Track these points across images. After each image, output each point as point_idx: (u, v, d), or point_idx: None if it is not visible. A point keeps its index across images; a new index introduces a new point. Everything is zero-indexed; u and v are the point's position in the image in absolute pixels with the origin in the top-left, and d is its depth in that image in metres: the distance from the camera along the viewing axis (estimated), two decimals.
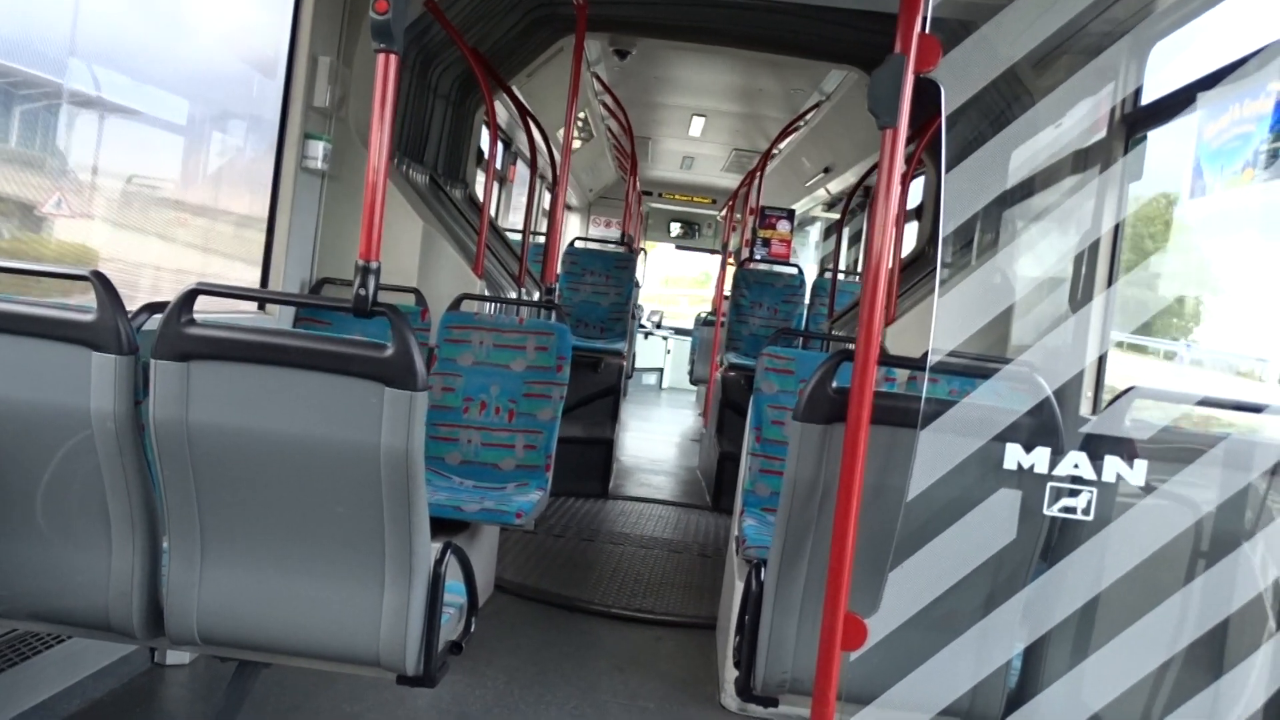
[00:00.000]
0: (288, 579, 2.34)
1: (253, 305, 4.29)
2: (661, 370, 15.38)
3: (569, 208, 15.22)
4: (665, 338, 15.31)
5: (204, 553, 2.35)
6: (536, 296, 6.42)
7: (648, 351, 15.00)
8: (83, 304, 2.30)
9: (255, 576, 2.35)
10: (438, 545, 2.41)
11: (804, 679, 2.42)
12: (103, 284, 2.24)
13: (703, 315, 12.14)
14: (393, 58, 2.23)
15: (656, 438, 10.45)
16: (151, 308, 2.72)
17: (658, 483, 8.04)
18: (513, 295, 5.95)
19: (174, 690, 3.50)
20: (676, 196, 15.85)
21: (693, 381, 12.11)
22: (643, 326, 14.41)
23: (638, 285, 9.96)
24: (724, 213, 14.43)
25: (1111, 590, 2.30)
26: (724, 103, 9.89)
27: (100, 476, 2.31)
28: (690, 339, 12.83)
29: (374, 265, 2.25)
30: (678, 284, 18.84)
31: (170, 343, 2.20)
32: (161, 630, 2.41)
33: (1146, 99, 3.98)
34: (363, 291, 2.25)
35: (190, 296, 2.24)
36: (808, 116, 9.10)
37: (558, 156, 7.23)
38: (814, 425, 2.29)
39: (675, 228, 16.50)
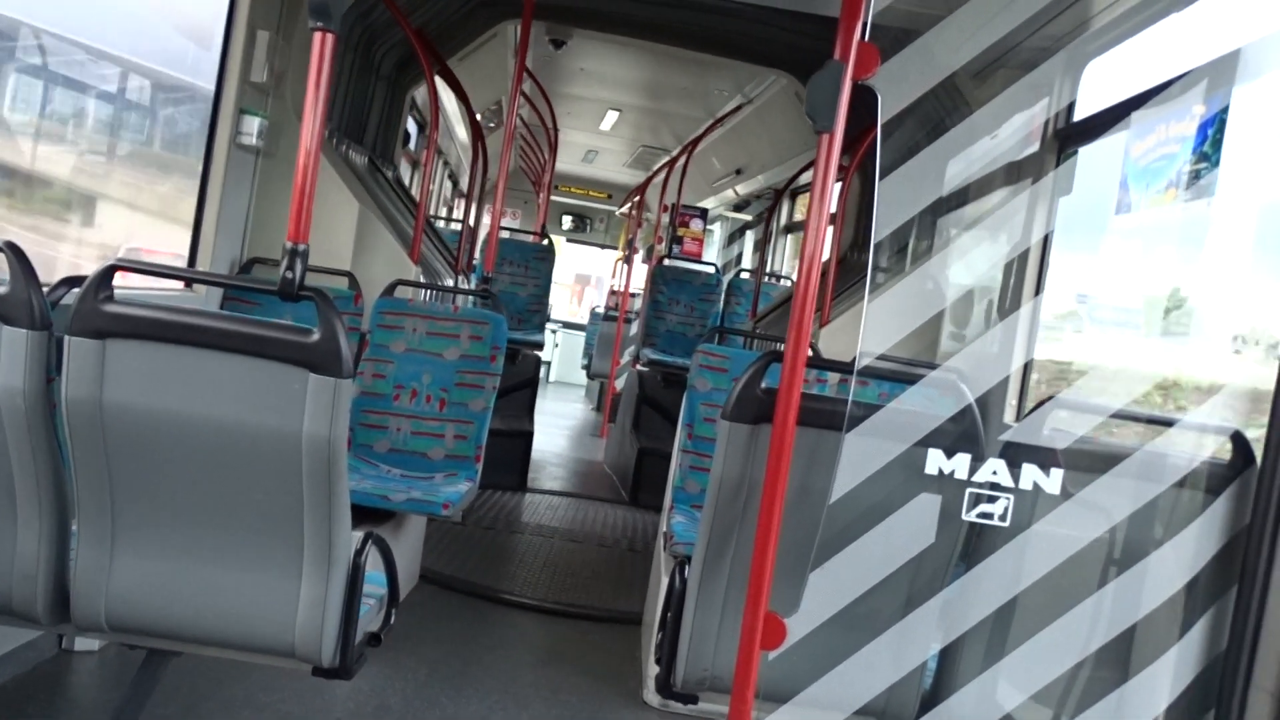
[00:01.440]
0: (201, 566, 2.29)
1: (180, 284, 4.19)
2: (549, 364, 15.37)
3: (464, 195, 15.10)
4: (554, 331, 15.27)
5: (115, 537, 2.28)
6: (463, 284, 6.37)
7: None
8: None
9: (168, 563, 2.29)
10: (358, 535, 2.38)
11: (724, 677, 2.44)
12: (16, 255, 2.16)
13: (599, 310, 12.16)
14: (329, 36, 2.18)
15: (554, 431, 10.43)
16: (70, 282, 2.63)
17: (566, 476, 8.04)
18: (449, 283, 5.89)
19: (81, 678, 3.40)
20: (573, 190, 15.83)
21: (590, 376, 12.14)
22: None
23: None
24: (626, 208, 14.44)
25: (1026, 594, 2.35)
26: (642, 98, 9.90)
27: (7, 455, 2.23)
28: (584, 333, 12.84)
29: (302, 247, 2.20)
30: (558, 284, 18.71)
31: (86, 319, 2.13)
32: (68, 616, 2.33)
33: (1080, 115, 4.07)
34: (290, 274, 2.20)
35: (109, 272, 2.17)
36: (726, 120, 9.17)
37: (493, 144, 7.17)
38: (742, 425, 2.30)
39: (567, 221, 16.47)
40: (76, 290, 2.19)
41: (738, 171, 10.83)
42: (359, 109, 5.73)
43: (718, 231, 14.63)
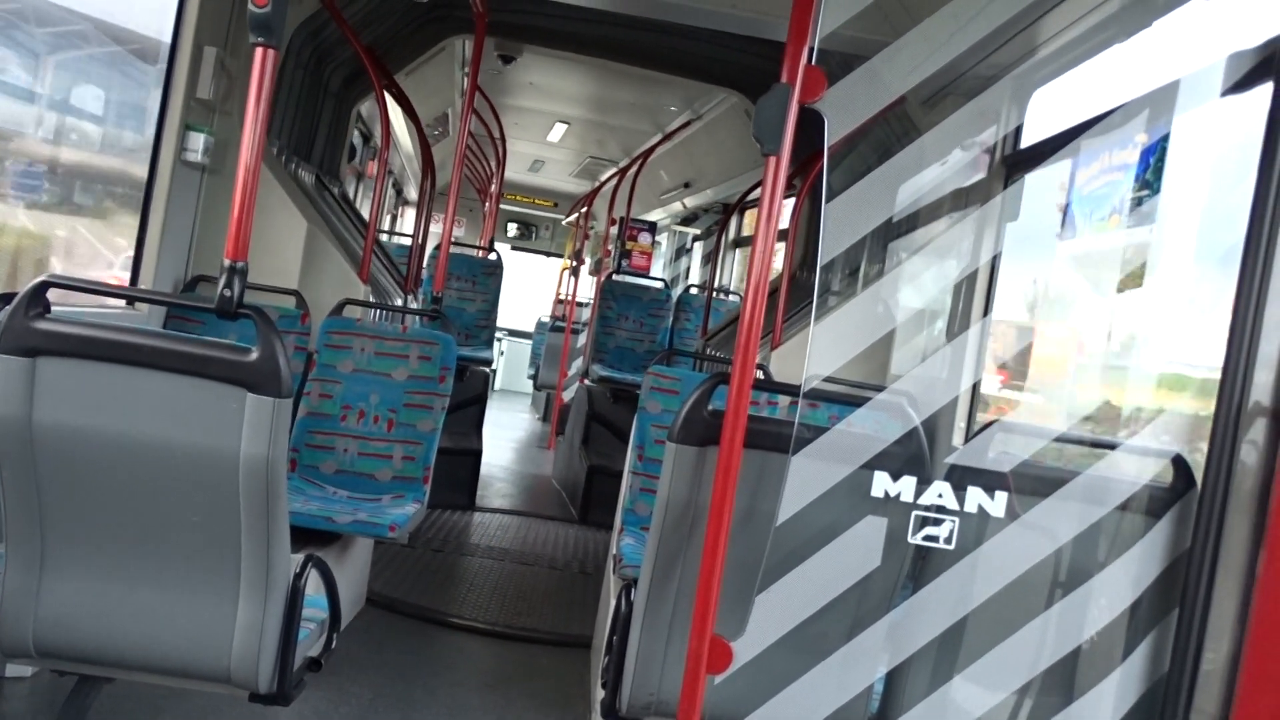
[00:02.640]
0: (134, 590, 2.23)
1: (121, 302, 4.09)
2: (494, 371, 15.28)
3: (408, 203, 14.96)
4: (500, 339, 15.16)
5: (44, 560, 2.22)
6: (412, 301, 6.31)
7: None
8: None
9: (99, 586, 2.23)
10: (298, 558, 2.33)
11: (670, 700, 2.42)
12: None
13: (545, 320, 12.04)
14: (270, 52, 2.15)
15: (501, 443, 10.33)
16: (4, 299, 2.56)
17: (515, 493, 7.96)
18: (398, 302, 5.83)
19: (12, 704, 3.29)
20: (519, 198, 15.80)
21: (537, 387, 12.04)
22: None
23: None
24: (572, 218, 14.41)
25: (972, 616, 2.35)
26: (591, 112, 9.92)
27: None
28: (530, 342, 12.74)
29: (240, 265, 2.17)
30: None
31: (16, 336, 2.07)
32: None
33: (1026, 142, 4.13)
34: (228, 292, 2.16)
35: (41, 289, 2.12)
36: (676, 135, 9.20)
37: (447, 155, 7.12)
38: (689, 447, 2.29)
39: (512, 228, 16.41)
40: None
41: (686, 185, 10.86)
42: (307, 127, 5.67)
43: (665, 245, 14.65)
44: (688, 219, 12.33)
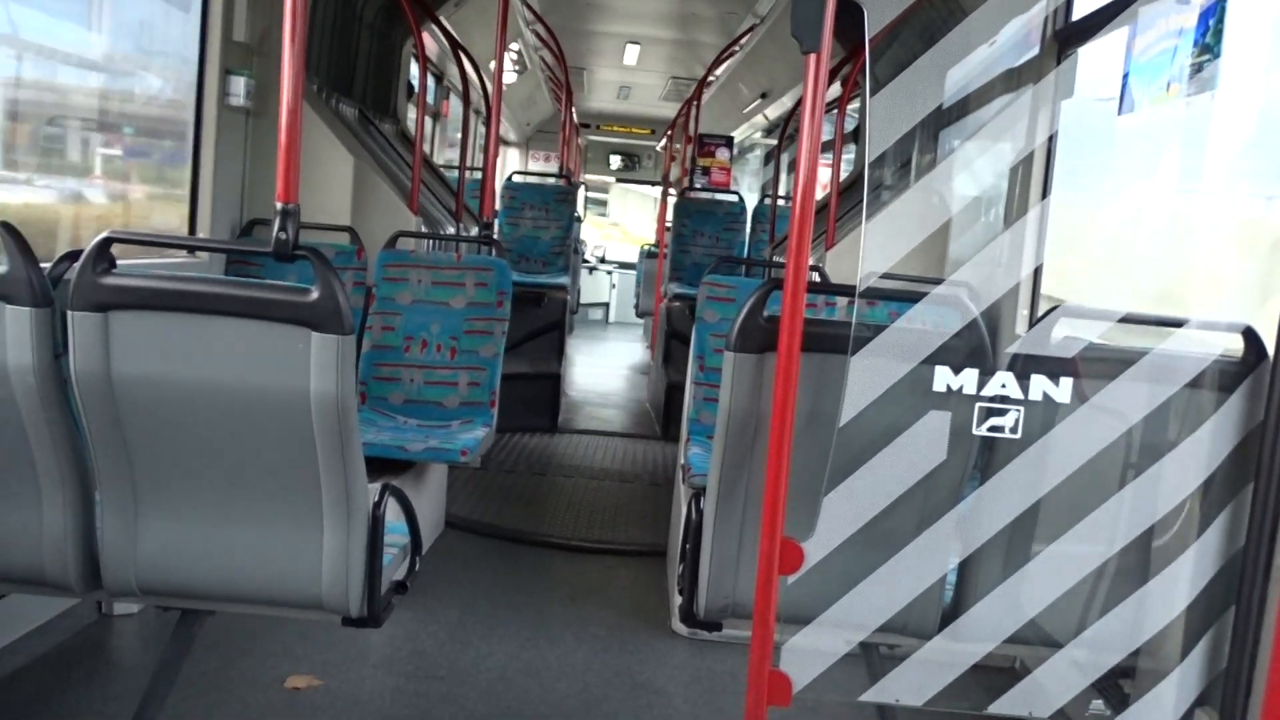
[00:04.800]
0: (224, 527, 2.32)
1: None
2: (608, 305, 15.36)
3: (507, 143, 14.96)
4: (610, 272, 15.24)
5: (138, 504, 2.32)
6: (474, 232, 6.34)
7: (593, 286, 14.95)
8: None
9: (191, 525, 2.33)
10: (376, 487, 2.40)
11: (745, 603, 2.47)
12: (11, 235, 2.16)
13: (646, 248, 12.06)
14: None
15: (604, 372, 10.46)
16: (70, 256, 2.64)
17: (607, 415, 8.07)
18: (450, 231, 5.86)
19: (122, 640, 3.49)
20: (615, 128, 15.61)
21: (638, 314, 12.08)
22: (586, 262, 14.33)
23: (579, 219, 9.85)
24: (663, 143, 14.26)
25: (1042, 503, 2.35)
26: (658, 29, 9.73)
27: (25, 432, 2.26)
28: (635, 272, 12.78)
29: (292, 207, 2.19)
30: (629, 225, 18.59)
31: (85, 293, 2.14)
32: (100, 583, 2.38)
33: (1077, 14, 3.97)
34: (283, 235, 2.19)
35: (105, 245, 2.17)
36: (743, 41, 8.99)
37: (523, 87, 7.09)
38: (747, 355, 2.30)
39: (615, 160, 16.27)
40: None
41: (763, 95, 10.66)
42: (345, 61, 5.65)
43: (753, 160, 14.45)
44: (770, 130, 12.15)
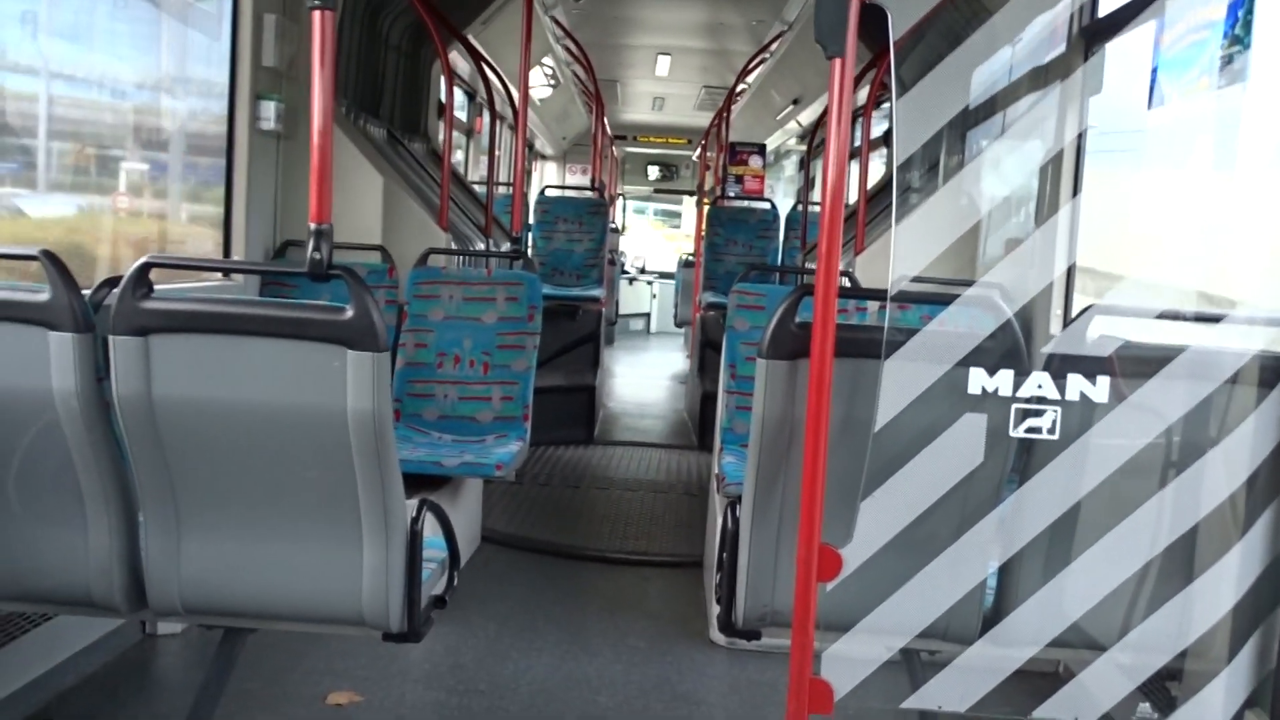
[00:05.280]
0: (266, 545, 2.35)
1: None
2: (648, 315, 15.38)
3: (544, 157, 15.03)
4: (650, 282, 15.27)
5: (180, 524, 2.35)
6: (505, 247, 6.38)
7: (633, 297, 14.99)
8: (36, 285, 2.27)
9: (233, 544, 2.36)
10: (413, 503, 2.42)
11: (784, 611, 2.46)
12: (53, 263, 2.21)
13: (684, 257, 12.08)
14: (328, 14, 2.18)
15: (644, 382, 10.47)
16: (110, 283, 2.68)
17: (645, 426, 8.07)
18: (480, 247, 5.90)
19: (167, 659, 3.53)
20: (651, 139, 15.65)
21: (677, 324, 12.09)
22: (626, 273, 14.36)
23: (615, 230, 9.87)
24: (698, 152, 14.28)
25: (1081, 505, 2.33)
26: (689, 39, 9.76)
27: (70, 455, 2.30)
28: (674, 282, 12.81)
29: (325, 227, 2.22)
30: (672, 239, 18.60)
31: (126, 318, 2.17)
32: (145, 603, 2.41)
33: (1104, 10, 3.94)
34: (317, 255, 2.22)
35: (144, 270, 2.21)
36: (772, 48, 9.00)
37: (557, 102, 7.14)
38: (780, 362, 2.29)
39: (653, 171, 16.31)
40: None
41: (795, 102, 10.66)
42: (372, 81, 5.71)
43: (789, 166, 14.44)
44: (804, 136, 12.16)
